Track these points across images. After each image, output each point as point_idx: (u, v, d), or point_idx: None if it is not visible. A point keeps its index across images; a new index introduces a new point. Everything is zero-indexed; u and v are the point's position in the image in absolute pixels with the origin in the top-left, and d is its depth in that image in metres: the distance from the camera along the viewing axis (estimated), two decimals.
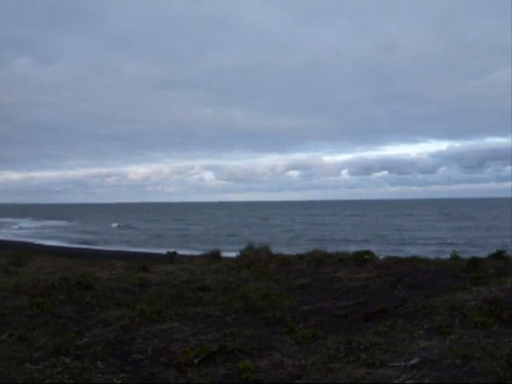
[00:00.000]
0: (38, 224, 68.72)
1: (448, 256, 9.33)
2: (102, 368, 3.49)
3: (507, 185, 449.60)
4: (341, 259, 8.72)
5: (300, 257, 8.95)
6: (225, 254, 10.65)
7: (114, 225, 64.95)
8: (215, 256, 9.92)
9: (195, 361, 3.56)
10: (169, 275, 7.72)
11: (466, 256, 8.92)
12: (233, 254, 10.50)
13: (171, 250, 11.03)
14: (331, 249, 10.67)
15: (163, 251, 12.56)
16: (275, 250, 10.37)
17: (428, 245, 35.11)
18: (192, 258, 10.63)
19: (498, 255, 8.83)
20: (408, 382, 2.98)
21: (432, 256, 10.33)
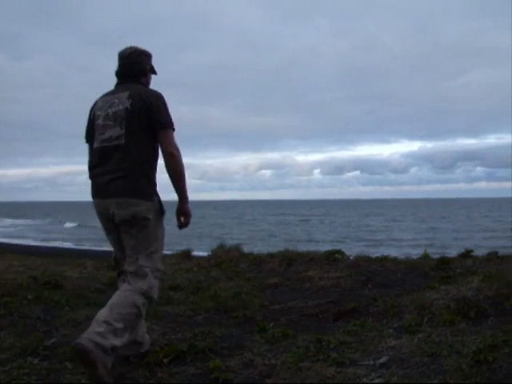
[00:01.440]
0: (7, 222, 67.79)
1: (418, 256, 9.44)
2: (70, 368, 3.45)
3: (477, 185, 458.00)
4: (312, 258, 8.75)
5: (271, 256, 8.96)
6: (196, 253, 10.62)
7: (69, 224, 63.68)
8: (186, 255, 9.89)
9: (165, 360, 3.53)
10: None
11: (436, 256, 9.02)
12: (204, 253, 10.48)
13: None
14: (302, 248, 10.72)
15: None
16: (246, 249, 10.37)
17: (399, 246, 35.48)
18: (163, 257, 10.56)
19: (467, 254, 8.95)
20: (376, 380, 3.00)
21: (403, 256, 10.44)
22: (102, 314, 3.18)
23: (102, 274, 7.46)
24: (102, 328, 3.08)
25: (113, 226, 3.53)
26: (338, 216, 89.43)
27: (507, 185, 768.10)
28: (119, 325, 3.16)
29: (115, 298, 3.32)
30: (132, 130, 3.40)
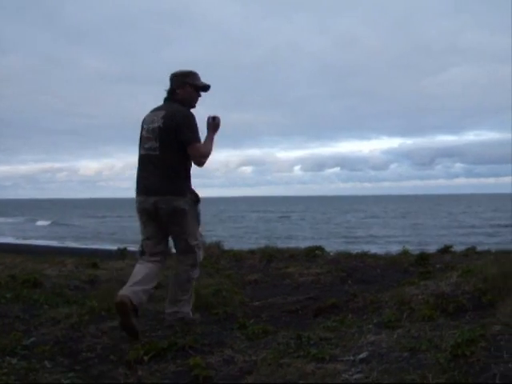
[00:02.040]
0: None
1: (398, 252, 9.50)
2: (49, 368, 3.43)
3: (456, 181, 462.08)
4: (292, 255, 8.78)
5: (251, 252, 8.98)
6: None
7: (42, 223, 62.82)
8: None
9: (145, 358, 3.53)
10: (119, 272, 7.63)
11: (416, 252, 9.09)
12: None
13: (122, 247, 10.95)
14: (282, 245, 10.76)
15: (114, 247, 12.42)
16: (227, 245, 10.38)
17: (379, 242, 35.69)
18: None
19: (446, 250, 9.05)
20: (356, 375, 3.02)
21: (383, 252, 10.50)
22: (171, 294, 4.64)
23: (81, 272, 7.40)
24: (175, 306, 4.58)
25: (151, 218, 4.49)
26: (319, 212, 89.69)
27: (486, 181, 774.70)
28: (185, 296, 4.59)
29: (174, 276, 4.67)
30: (164, 143, 4.35)
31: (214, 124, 4.63)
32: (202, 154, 4.46)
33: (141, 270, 4.46)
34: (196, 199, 4.57)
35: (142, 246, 4.62)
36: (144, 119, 4.59)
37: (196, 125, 4.46)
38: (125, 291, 4.17)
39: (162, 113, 4.42)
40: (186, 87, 4.56)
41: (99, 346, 3.89)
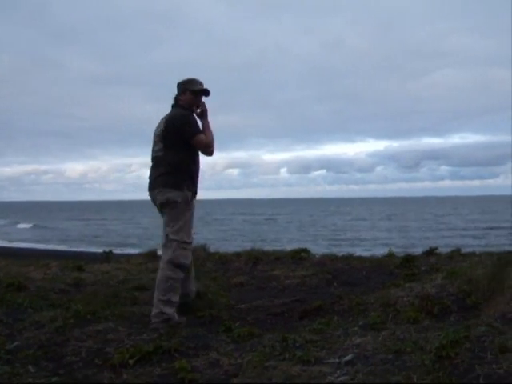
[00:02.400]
0: None
1: (383, 254, 9.54)
2: (33, 372, 3.40)
3: (442, 184, 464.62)
4: (278, 257, 8.79)
5: (237, 255, 8.97)
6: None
7: (23, 225, 62.30)
8: (152, 255, 9.83)
9: (130, 361, 3.51)
10: (104, 275, 7.61)
11: (401, 254, 9.12)
12: None
13: (107, 249, 10.90)
14: (268, 247, 10.76)
15: (100, 250, 12.37)
16: (213, 248, 10.35)
17: (365, 244, 35.81)
18: (129, 257, 10.51)
19: (431, 252, 9.09)
20: (342, 377, 3.02)
21: (368, 254, 10.54)
22: (155, 296, 4.73)
23: (66, 275, 7.36)
24: (156, 308, 4.67)
25: (159, 211, 4.98)
26: (305, 215, 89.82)
27: (471, 183, 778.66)
28: (164, 296, 4.67)
29: (158, 276, 4.80)
30: (167, 144, 4.83)
31: (201, 112, 5.07)
32: (207, 144, 4.93)
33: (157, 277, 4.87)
34: (193, 196, 4.95)
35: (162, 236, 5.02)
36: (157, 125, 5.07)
37: (194, 120, 4.97)
38: (152, 317, 4.69)
39: (165, 118, 4.97)
40: (186, 93, 5.02)
41: (84, 349, 3.86)
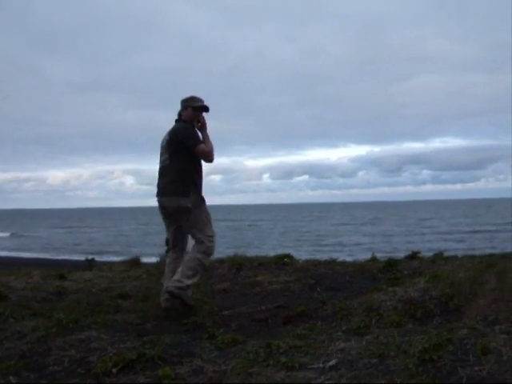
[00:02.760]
0: None
1: (366, 258, 9.56)
2: (14, 383, 3.36)
3: (423, 188, 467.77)
4: (261, 263, 8.78)
5: (220, 261, 8.94)
6: (145, 261, 10.50)
7: (0, 234, 61.66)
8: (135, 262, 9.77)
9: (114, 370, 3.48)
10: (87, 282, 7.56)
11: (384, 258, 9.14)
12: (153, 260, 10.38)
13: (90, 257, 10.82)
14: (251, 253, 10.72)
15: (82, 258, 12.26)
16: None
17: (348, 249, 35.90)
18: (112, 264, 10.43)
19: (413, 256, 9.14)
20: (326, 382, 3.02)
21: (351, 259, 10.56)
22: (178, 271, 5.37)
23: (48, 283, 7.29)
24: (177, 278, 5.29)
25: (165, 217, 5.66)
26: (288, 220, 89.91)
27: (452, 187, 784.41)
28: (190, 272, 5.33)
29: (187, 260, 5.44)
30: (172, 155, 5.49)
31: (201, 125, 5.67)
32: (207, 153, 5.51)
33: (171, 264, 5.70)
34: (201, 200, 5.57)
35: (166, 241, 5.84)
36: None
37: (195, 132, 5.59)
38: (169, 284, 5.31)
39: (170, 131, 5.61)
40: (188, 109, 5.65)
41: (66, 358, 3.82)
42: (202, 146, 5.49)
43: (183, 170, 5.46)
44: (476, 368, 2.95)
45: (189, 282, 5.30)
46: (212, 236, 5.53)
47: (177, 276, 5.29)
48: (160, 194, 5.59)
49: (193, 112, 5.64)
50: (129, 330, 4.64)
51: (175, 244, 5.75)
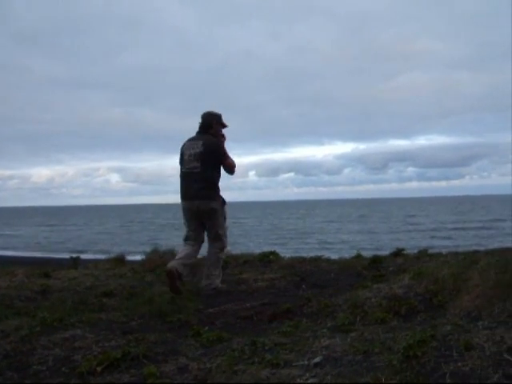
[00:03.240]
0: None
1: (352, 255, 9.60)
2: None
3: (409, 185, 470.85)
4: (246, 260, 8.79)
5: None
6: (129, 258, 10.47)
7: None
8: (119, 260, 9.74)
9: (98, 369, 3.47)
10: (72, 281, 7.52)
11: (369, 255, 9.19)
12: (138, 258, 10.35)
13: (74, 255, 10.77)
14: (237, 250, 10.72)
15: (67, 256, 12.20)
16: None
17: (333, 246, 35.97)
18: (97, 262, 10.39)
19: (398, 253, 9.19)
20: (311, 380, 3.03)
21: (337, 256, 10.59)
22: (205, 270, 6.61)
23: (33, 282, 7.24)
24: (209, 280, 6.55)
25: (193, 216, 6.52)
26: (273, 217, 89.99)
27: (437, 184, 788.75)
28: (216, 272, 6.63)
29: (208, 257, 6.71)
30: (204, 163, 6.36)
31: (223, 140, 6.63)
32: (233, 166, 6.55)
33: (184, 250, 6.47)
34: (223, 202, 6.59)
35: (186, 235, 6.62)
36: (184, 146, 6.60)
37: (224, 147, 6.56)
38: (172, 263, 6.12)
39: (201, 142, 6.43)
40: (218, 125, 6.60)
41: (51, 358, 3.80)
42: (231, 159, 6.51)
43: (213, 178, 6.44)
44: (459, 364, 2.96)
45: (217, 280, 6.60)
46: (225, 233, 6.75)
47: (205, 279, 6.56)
48: (193, 197, 6.41)
49: (220, 128, 6.62)
50: (113, 328, 4.62)
51: (196, 239, 6.59)
